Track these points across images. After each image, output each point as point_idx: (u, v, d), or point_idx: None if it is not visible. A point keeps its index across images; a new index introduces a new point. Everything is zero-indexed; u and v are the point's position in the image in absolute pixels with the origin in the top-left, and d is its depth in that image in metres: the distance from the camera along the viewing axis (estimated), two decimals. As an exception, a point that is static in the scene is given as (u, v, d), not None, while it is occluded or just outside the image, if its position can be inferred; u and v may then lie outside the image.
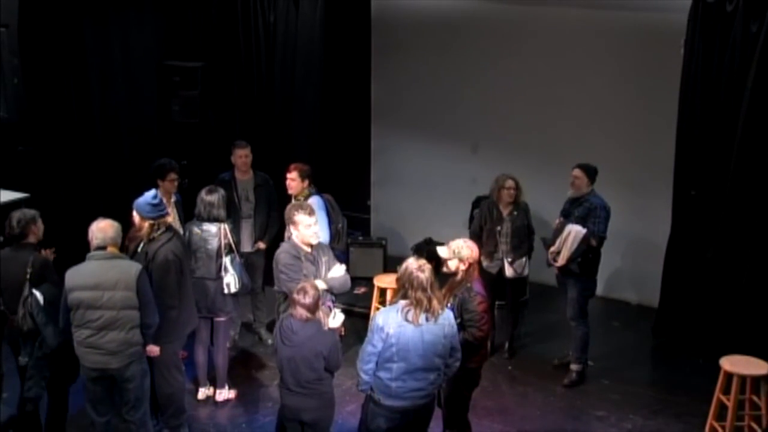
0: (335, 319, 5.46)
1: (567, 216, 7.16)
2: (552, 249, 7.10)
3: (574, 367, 7.33)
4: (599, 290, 7.51)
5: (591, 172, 7.12)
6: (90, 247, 5.53)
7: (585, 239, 6.95)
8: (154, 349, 5.79)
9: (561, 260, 7.04)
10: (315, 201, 7.21)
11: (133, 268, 5.47)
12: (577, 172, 7.13)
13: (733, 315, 7.42)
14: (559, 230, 7.08)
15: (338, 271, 6.09)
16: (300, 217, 5.98)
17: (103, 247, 5.46)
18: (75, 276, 5.43)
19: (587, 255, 7.00)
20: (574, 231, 6.98)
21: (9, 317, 5.79)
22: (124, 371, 5.48)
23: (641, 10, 8.11)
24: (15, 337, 5.82)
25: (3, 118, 7.61)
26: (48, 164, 8.52)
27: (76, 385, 5.98)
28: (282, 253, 6.00)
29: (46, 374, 5.83)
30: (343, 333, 5.87)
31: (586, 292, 7.22)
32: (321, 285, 5.84)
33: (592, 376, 7.39)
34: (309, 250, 6.03)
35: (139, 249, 5.93)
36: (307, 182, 7.32)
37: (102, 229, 5.49)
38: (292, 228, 6.06)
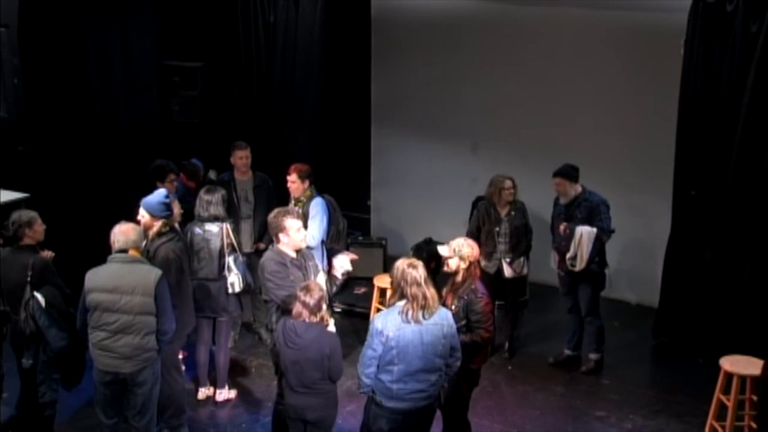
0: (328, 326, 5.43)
1: (569, 219, 7.14)
2: (568, 255, 7.07)
3: (592, 356, 7.39)
4: (599, 290, 7.52)
5: (569, 174, 7.08)
6: (111, 250, 5.49)
7: (598, 238, 6.98)
8: None
9: (580, 264, 7.03)
10: (318, 202, 7.17)
11: (153, 273, 5.41)
12: (556, 180, 7.12)
13: (733, 315, 7.41)
14: (569, 235, 7.05)
15: (321, 277, 6.01)
16: (290, 222, 5.82)
17: (124, 250, 5.43)
18: (94, 277, 5.40)
19: (600, 252, 7.06)
20: (586, 232, 6.98)
21: (12, 318, 5.80)
22: (136, 376, 5.46)
23: (641, 10, 8.11)
24: (18, 338, 5.82)
25: (3, 118, 7.62)
26: (48, 164, 8.53)
27: (80, 384, 5.99)
28: (267, 261, 5.83)
29: (55, 376, 5.84)
30: None
31: (600, 286, 7.26)
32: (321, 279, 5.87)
33: (593, 376, 7.39)
34: (295, 255, 5.89)
35: (141, 247, 5.92)
36: (307, 183, 7.26)
37: (124, 232, 5.46)
38: (280, 235, 5.84)
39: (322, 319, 5.29)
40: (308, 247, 7.07)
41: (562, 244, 7.12)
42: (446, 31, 9.24)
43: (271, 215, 5.97)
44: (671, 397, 7.08)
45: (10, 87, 7.58)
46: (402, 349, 4.95)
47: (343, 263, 5.50)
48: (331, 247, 7.50)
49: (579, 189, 7.12)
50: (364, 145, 10.02)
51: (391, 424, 5.08)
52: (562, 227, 7.13)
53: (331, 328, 5.43)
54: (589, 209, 7.05)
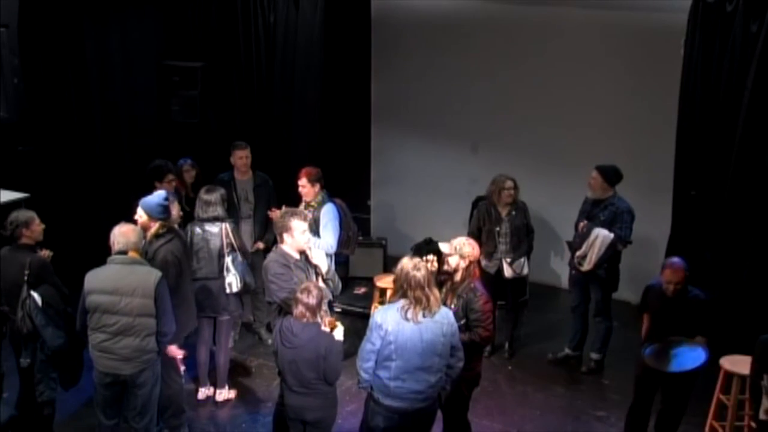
0: (336, 332, 5.41)
1: (591, 219, 7.13)
2: (578, 253, 7.07)
3: (594, 356, 7.40)
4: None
5: (608, 175, 7.08)
6: (110, 251, 5.49)
7: (612, 245, 6.96)
8: (174, 350, 5.87)
9: (588, 265, 7.03)
10: (329, 209, 7.08)
11: (153, 275, 5.42)
12: (593, 173, 7.13)
13: (733, 315, 7.41)
14: (585, 234, 7.05)
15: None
16: (296, 223, 5.79)
17: (124, 252, 5.43)
18: (94, 279, 5.41)
19: (612, 259, 7.05)
20: (602, 236, 6.97)
21: (10, 318, 5.80)
22: (137, 377, 5.47)
23: (641, 10, 8.11)
24: (16, 337, 5.82)
25: (3, 118, 7.62)
26: (48, 164, 8.53)
27: (77, 384, 5.99)
28: (271, 263, 5.81)
29: (53, 375, 5.84)
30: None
31: (611, 289, 7.28)
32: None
33: (592, 376, 7.39)
34: (298, 257, 5.87)
35: (140, 248, 5.92)
36: (318, 186, 7.17)
37: (124, 233, 5.46)
38: (285, 235, 5.82)
39: (322, 318, 5.29)
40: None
41: (576, 240, 7.13)
42: (446, 31, 9.24)
43: (278, 214, 5.97)
44: (671, 397, 7.06)
45: (10, 87, 7.57)
46: (401, 344, 4.95)
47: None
48: (339, 252, 7.43)
49: (610, 193, 7.11)
50: (364, 145, 10.02)
51: (387, 422, 5.08)
52: (581, 225, 7.15)
53: (339, 335, 5.39)
54: (613, 214, 7.04)
